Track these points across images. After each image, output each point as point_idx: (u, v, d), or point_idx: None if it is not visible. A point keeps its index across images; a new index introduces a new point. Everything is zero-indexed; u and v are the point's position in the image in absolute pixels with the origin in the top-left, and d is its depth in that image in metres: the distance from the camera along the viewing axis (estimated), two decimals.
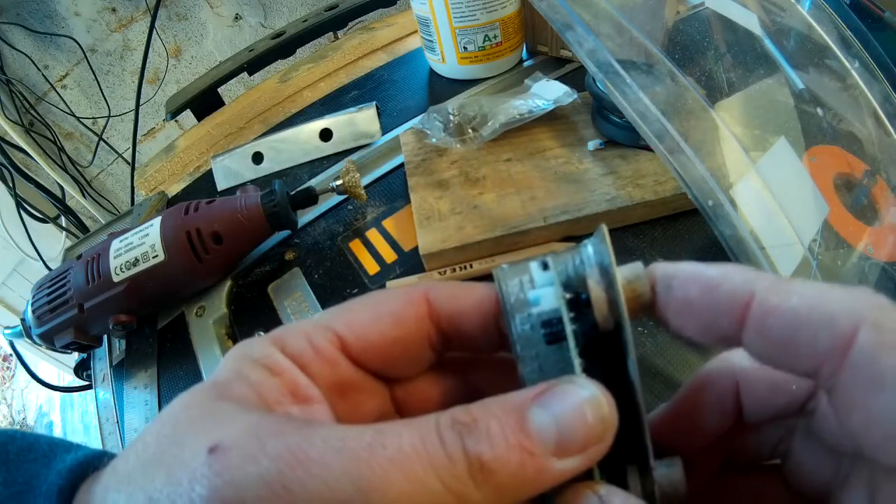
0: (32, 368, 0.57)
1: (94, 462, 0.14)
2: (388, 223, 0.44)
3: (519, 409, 0.14)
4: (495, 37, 0.52)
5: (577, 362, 0.15)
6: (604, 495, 0.14)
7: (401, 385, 0.18)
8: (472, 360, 0.19)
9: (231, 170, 0.53)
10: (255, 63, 0.64)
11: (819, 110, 0.34)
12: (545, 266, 0.15)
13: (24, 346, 0.50)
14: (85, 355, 0.45)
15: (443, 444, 0.13)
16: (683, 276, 0.15)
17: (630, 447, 0.15)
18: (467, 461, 0.13)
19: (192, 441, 0.13)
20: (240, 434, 0.13)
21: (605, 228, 0.15)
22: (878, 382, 0.12)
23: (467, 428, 0.13)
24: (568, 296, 0.15)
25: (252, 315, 0.41)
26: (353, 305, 0.16)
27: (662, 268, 0.15)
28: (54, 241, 1.19)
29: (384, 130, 0.52)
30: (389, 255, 0.41)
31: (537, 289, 0.15)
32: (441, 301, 0.16)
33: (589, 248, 0.15)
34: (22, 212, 1.09)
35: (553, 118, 0.45)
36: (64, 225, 1.19)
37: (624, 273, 0.15)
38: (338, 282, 0.41)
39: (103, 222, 0.64)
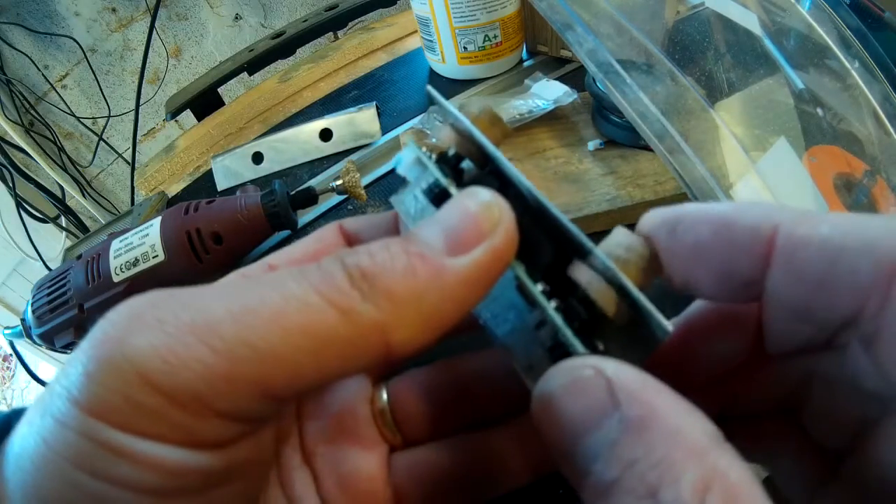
0: (32, 368, 0.57)
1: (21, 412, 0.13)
2: None
3: (403, 234, 0.13)
4: (495, 37, 0.52)
5: (452, 189, 0.14)
6: (592, 364, 0.11)
7: None
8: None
9: (231, 170, 0.53)
10: (255, 63, 0.64)
11: (819, 110, 0.34)
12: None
13: (24, 346, 0.50)
14: None
15: (319, 266, 0.12)
16: (691, 217, 0.13)
17: (566, 249, 0.13)
18: (346, 272, 0.11)
19: None
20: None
21: (430, 89, 0.16)
22: None
23: (347, 251, 0.12)
24: (434, 157, 0.15)
25: None
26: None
27: (661, 213, 0.13)
28: (54, 241, 1.19)
29: (384, 130, 0.52)
30: None
31: (412, 173, 0.16)
32: (348, 222, 0.18)
33: (441, 125, 0.16)
34: (22, 212, 1.09)
35: (553, 118, 0.44)
36: (64, 225, 1.19)
37: (468, 111, 0.15)
38: None
39: (103, 222, 0.64)
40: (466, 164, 0.16)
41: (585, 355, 0.12)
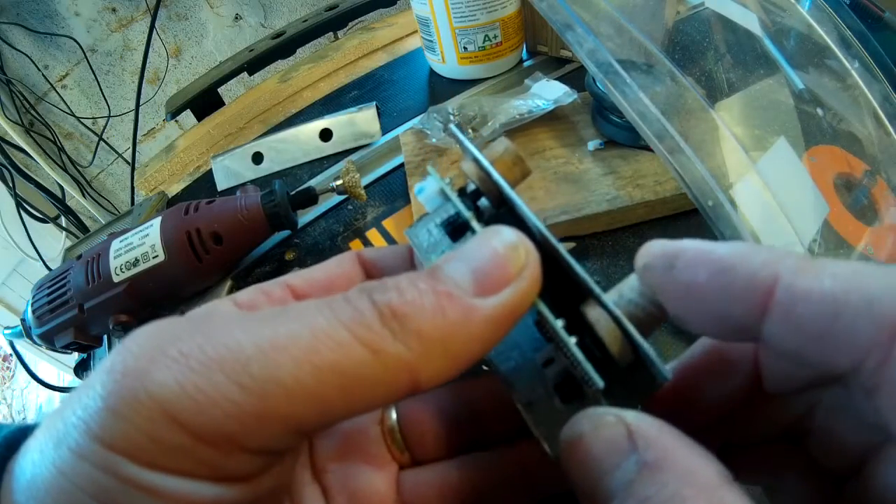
0: (32, 368, 0.57)
1: (30, 429, 0.13)
2: (388, 223, 0.44)
3: (429, 270, 0.13)
4: (495, 37, 0.52)
5: (474, 224, 0.14)
6: (623, 416, 0.12)
7: None
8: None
9: (231, 170, 0.52)
10: (255, 63, 0.64)
11: (819, 110, 0.34)
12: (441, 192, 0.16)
13: (24, 346, 0.50)
14: (85, 355, 0.45)
15: (348, 301, 0.12)
16: (689, 255, 0.13)
17: (577, 294, 0.14)
18: (376, 310, 0.11)
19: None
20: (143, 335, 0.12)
21: (453, 127, 0.17)
22: None
23: (375, 286, 0.12)
24: (454, 190, 0.16)
25: None
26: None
27: (660, 245, 0.13)
28: (54, 241, 1.19)
29: (384, 130, 0.52)
30: None
31: (432, 203, 0.16)
32: (367, 252, 0.18)
33: (462, 161, 0.16)
34: (22, 212, 1.09)
35: (553, 118, 0.44)
36: (64, 225, 1.19)
37: (491, 150, 0.16)
38: None
39: (103, 222, 0.64)
40: (482, 201, 0.16)
41: (606, 405, 0.13)
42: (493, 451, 0.17)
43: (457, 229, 0.15)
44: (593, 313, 0.13)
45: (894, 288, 0.10)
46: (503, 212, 0.16)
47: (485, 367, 0.19)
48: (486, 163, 0.15)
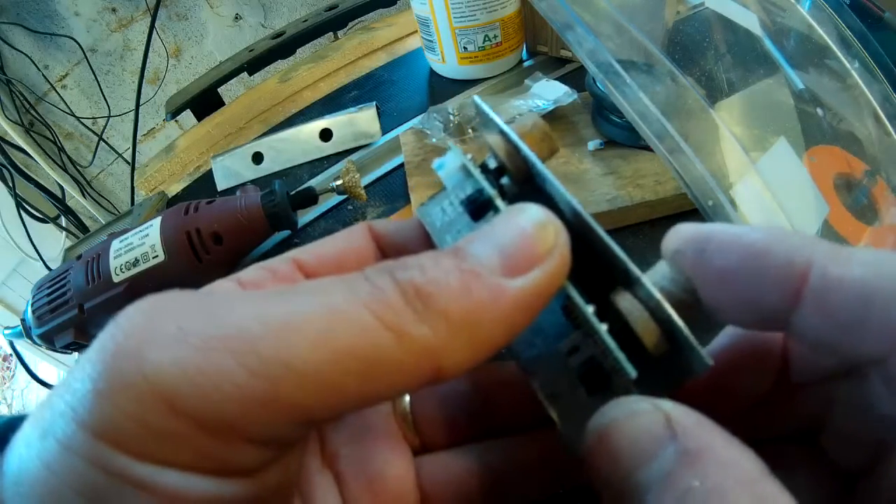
0: (32, 368, 0.57)
1: (20, 420, 0.12)
2: None
3: (453, 248, 0.12)
4: (495, 37, 0.52)
5: (498, 201, 0.14)
6: (665, 409, 0.11)
7: None
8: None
9: (231, 170, 0.52)
10: (255, 63, 0.64)
11: (819, 110, 0.34)
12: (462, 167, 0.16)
13: (24, 346, 0.50)
14: None
15: (367, 278, 0.11)
16: (720, 239, 0.12)
17: (609, 277, 0.13)
18: (399, 289, 0.10)
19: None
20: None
21: (477, 98, 0.16)
22: None
23: (395, 264, 0.11)
24: (477, 166, 0.15)
25: None
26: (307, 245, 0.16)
27: (691, 229, 0.13)
28: (54, 241, 1.19)
29: (384, 130, 0.52)
30: None
31: (451, 180, 0.15)
32: (379, 224, 0.17)
33: (485, 135, 0.15)
34: (22, 212, 1.09)
35: (553, 118, 0.44)
36: (64, 225, 1.19)
37: (519, 124, 0.15)
38: None
39: (103, 222, 0.64)
40: (504, 179, 0.15)
41: (636, 393, 0.12)
42: (513, 439, 0.17)
43: (479, 208, 0.14)
44: (625, 302, 0.12)
45: None
46: (527, 190, 0.15)
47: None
48: (514, 136, 0.14)
